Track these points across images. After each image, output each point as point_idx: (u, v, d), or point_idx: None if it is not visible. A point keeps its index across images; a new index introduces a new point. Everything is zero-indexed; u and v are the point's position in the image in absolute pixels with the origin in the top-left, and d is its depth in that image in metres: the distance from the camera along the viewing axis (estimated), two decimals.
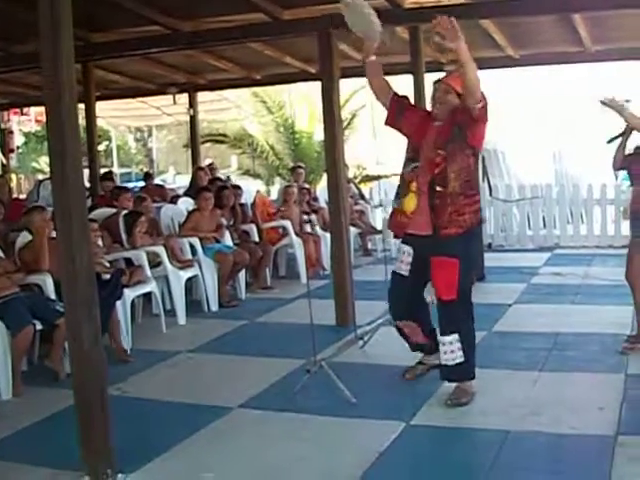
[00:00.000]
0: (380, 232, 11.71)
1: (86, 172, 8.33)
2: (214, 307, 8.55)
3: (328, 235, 8.77)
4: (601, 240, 12.25)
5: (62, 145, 4.02)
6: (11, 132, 20.04)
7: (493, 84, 16.32)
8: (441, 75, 5.38)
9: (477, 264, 5.05)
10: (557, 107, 20.50)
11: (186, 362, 6.63)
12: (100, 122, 17.71)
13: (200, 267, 8.46)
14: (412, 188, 5.31)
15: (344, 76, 8.11)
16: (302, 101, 18.22)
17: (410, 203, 5.29)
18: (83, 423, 4.19)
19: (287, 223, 10.22)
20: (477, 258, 5.04)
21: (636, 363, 5.90)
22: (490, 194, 12.73)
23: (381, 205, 12.34)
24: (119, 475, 4.16)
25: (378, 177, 16.05)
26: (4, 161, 17.87)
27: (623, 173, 6.77)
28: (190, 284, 8.59)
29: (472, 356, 5.20)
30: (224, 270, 8.68)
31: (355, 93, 17.41)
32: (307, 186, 11.92)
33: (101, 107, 15.07)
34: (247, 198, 10.90)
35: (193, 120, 13.56)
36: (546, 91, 20.51)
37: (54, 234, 5.46)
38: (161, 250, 7.95)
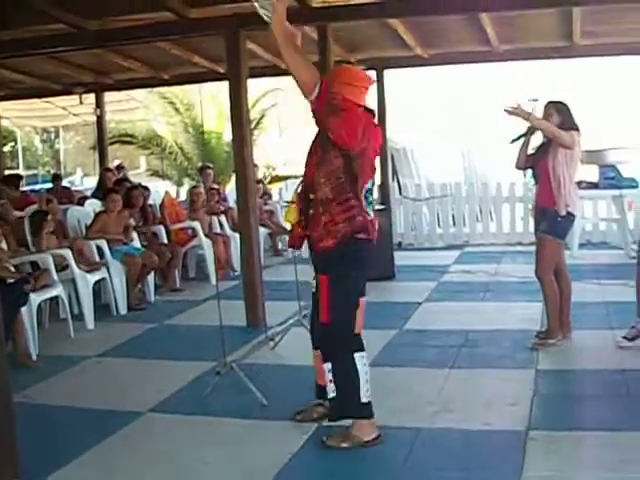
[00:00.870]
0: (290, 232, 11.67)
1: None
2: (123, 310, 8.41)
3: (238, 235, 8.73)
4: (510, 237, 12.46)
5: None
6: None
7: (403, 84, 16.57)
8: None
9: (355, 281, 4.47)
10: (466, 106, 20.91)
11: (95, 367, 6.50)
12: (5, 123, 17.32)
13: (108, 270, 8.30)
14: (294, 198, 4.75)
15: (252, 76, 8.06)
16: (211, 101, 18.10)
17: (292, 214, 4.67)
18: None
19: (196, 224, 10.11)
20: (356, 274, 4.48)
21: (546, 359, 6.02)
22: (400, 193, 12.88)
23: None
24: None
25: (287, 177, 16.05)
26: None
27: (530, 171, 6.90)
28: (98, 287, 8.43)
29: (349, 395, 4.45)
30: (132, 273, 8.54)
31: (267, 94, 17.44)
32: (216, 186, 11.84)
33: (6, 107, 14.75)
34: (155, 199, 10.78)
35: (100, 120, 13.29)
36: (455, 91, 20.90)
37: None
38: (68, 253, 7.77)
